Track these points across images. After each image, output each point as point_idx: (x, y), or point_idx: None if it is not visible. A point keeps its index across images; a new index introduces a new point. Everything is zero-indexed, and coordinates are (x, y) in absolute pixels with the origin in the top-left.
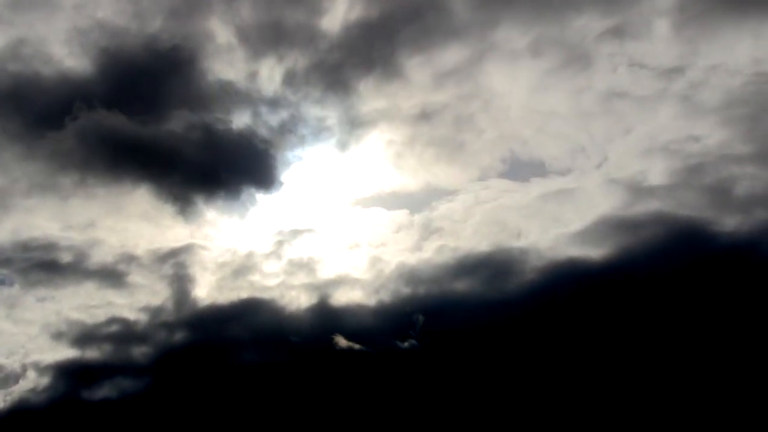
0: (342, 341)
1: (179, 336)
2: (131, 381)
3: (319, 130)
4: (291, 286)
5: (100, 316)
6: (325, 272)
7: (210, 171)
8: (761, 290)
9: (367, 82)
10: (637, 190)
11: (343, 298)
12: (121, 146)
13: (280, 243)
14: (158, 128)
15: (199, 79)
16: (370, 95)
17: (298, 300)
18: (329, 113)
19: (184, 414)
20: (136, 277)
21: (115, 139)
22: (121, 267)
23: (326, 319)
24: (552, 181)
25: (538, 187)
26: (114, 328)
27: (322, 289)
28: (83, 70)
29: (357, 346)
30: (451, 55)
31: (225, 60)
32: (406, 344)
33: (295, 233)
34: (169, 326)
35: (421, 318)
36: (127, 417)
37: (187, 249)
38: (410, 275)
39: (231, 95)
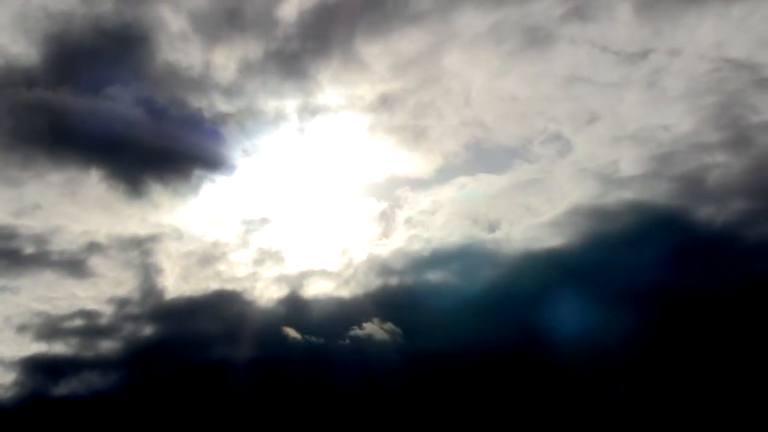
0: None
1: (148, 329)
2: (101, 377)
3: (278, 119)
4: (260, 278)
5: (64, 308)
6: (293, 263)
7: (165, 157)
8: (738, 280)
9: (325, 71)
10: (608, 179)
11: (313, 289)
12: (69, 129)
13: (245, 232)
14: (107, 110)
15: (151, 64)
16: (330, 84)
17: (267, 292)
18: (287, 102)
19: (156, 411)
20: (98, 266)
21: (62, 121)
22: (82, 256)
23: (297, 312)
24: (521, 170)
25: (507, 175)
26: (80, 321)
27: (292, 280)
28: (29, 56)
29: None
30: (411, 41)
31: (178, 47)
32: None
33: (261, 222)
34: (137, 319)
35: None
36: (98, 415)
37: (150, 237)
38: (382, 266)
39: (185, 82)
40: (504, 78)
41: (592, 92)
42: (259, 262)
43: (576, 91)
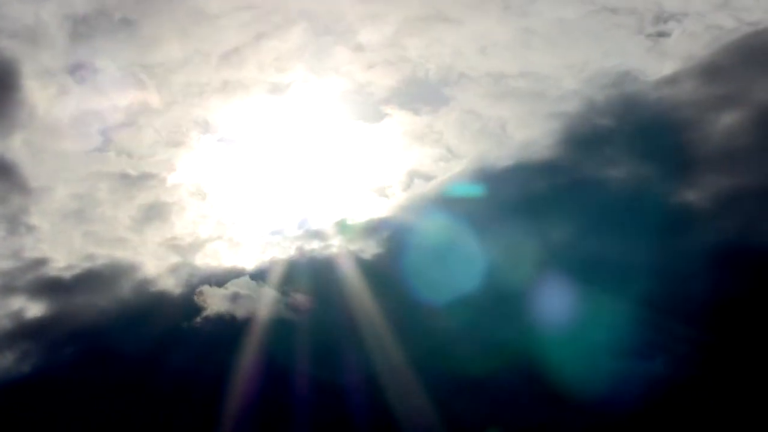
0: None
1: (31, 306)
2: None
3: (115, 75)
4: (145, 243)
5: None
6: (180, 227)
7: None
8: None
9: (167, 28)
10: (499, 139)
11: (207, 259)
12: None
13: (120, 189)
14: None
15: None
16: (170, 39)
17: (153, 260)
18: (122, 63)
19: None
20: None
21: None
22: None
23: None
24: (403, 120)
25: (389, 126)
26: None
27: (179, 247)
28: None
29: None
30: None
31: None
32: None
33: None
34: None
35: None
36: None
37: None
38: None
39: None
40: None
41: (453, 34)
42: (140, 223)
43: (436, 33)
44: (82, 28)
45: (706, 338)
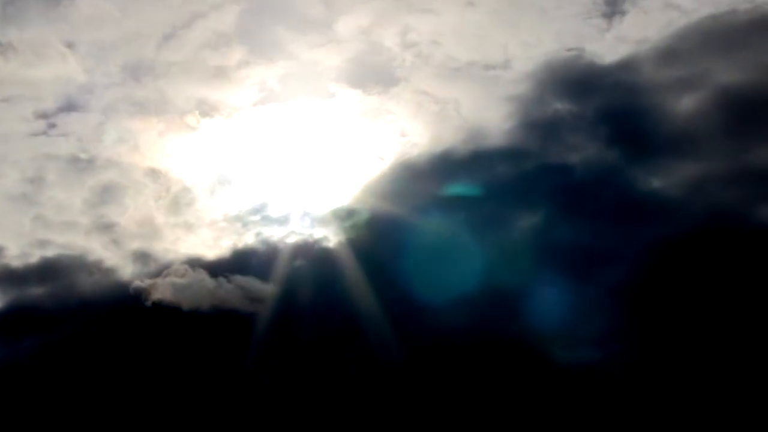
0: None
1: None
2: None
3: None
4: (98, 227)
5: None
6: (132, 210)
7: None
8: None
9: (104, 5)
10: (458, 123)
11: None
12: None
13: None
14: None
15: None
16: (110, 20)
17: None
18: (56, 37)
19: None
20: None
21: None
22: None
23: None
24: (352, 100)
25: (339, 107)
26: None
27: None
28: None
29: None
30: None
31: None
32: None
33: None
34: None
35: None
36: None
37: None
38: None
39: None
40: None
41: (402, 13)
42: (93, 207)
43: (384, 11)
44: (12, 8)
45: (664, 326)
